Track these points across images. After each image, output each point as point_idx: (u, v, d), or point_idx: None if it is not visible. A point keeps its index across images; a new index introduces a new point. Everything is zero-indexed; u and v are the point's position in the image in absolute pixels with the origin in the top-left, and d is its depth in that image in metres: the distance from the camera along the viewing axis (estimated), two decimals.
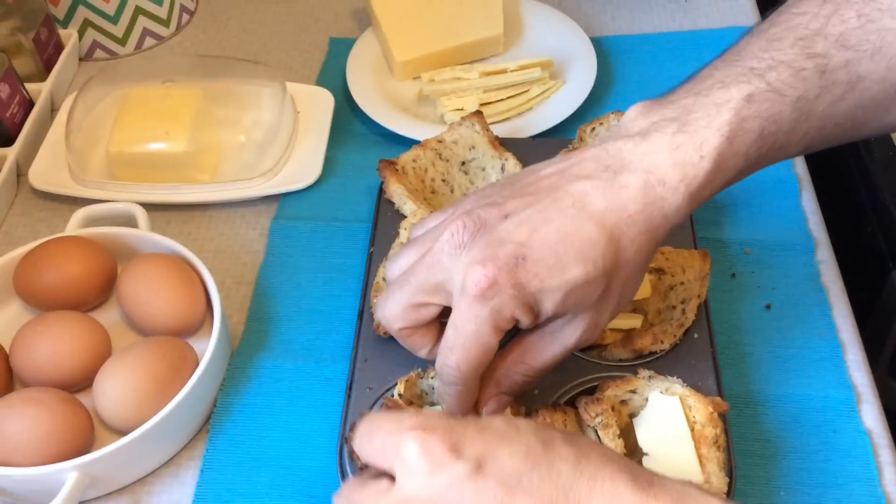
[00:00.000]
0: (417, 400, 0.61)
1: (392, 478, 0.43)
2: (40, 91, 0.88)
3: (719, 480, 0.54)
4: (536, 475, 0.41)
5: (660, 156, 0.51)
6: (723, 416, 0.58)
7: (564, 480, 0.41)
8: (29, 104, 0.86)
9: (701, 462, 0.55)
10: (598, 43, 0.92)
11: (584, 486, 0.41)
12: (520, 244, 0.49)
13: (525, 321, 0.51)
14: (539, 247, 0.49)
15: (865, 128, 0.58)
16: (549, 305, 0.50)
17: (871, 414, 0.64)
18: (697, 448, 0.56)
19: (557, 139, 0.80)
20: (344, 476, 0.58)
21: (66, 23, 0.95)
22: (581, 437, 0.45)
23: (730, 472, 0.56)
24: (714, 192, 0.53)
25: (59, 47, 0.93)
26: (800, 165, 0.82)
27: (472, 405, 0.55)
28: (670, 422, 0.57)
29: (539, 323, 0.53)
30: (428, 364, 0.62)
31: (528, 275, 0.49)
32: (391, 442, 0.43)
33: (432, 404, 0.61)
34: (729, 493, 0.55)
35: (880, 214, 0.83)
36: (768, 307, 0.70)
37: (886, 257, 0.81)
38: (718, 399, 0.58)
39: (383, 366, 0.63)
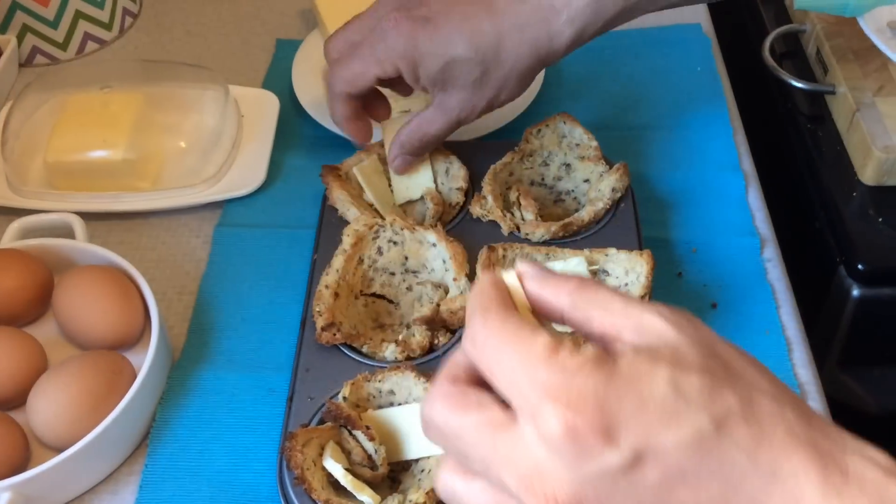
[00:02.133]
0: (364, 403, 0.60)
1: (507, 407, 0.36)
2: None
3: None
4: (705, 470, 0.33)
5: None
6: None
7: (738, 474, 0.33)
8: None
9: None
10: None
11: (760, 483, 0.33)
12: (431, 11, 0.64)
13: (409, 77, 0.66)
14: (443, 18, 0.64)
15: None
16: (432, 69, 0.64)
17: (815, 410, 0.64)
18: None
19: (503, 140, 0.79)
20: (284, 488, 0.57)
21: (3, 28, 0.93)
22: (767, 402, 0.35)
23: None
24: (596, 27, 0.64)
25: None
26: (746, 162, 0.82)
27: (360, 132, 0.72)
28: None
29: (430, 98, 0.68)
30: (375, 366, 0.62)
31: (425, 36, 0.63)
32: (522, 392, 0.35)
33: (379, 407, 0.60)
34: None
35: (828, 210, 0.83)
36: (714, 306, 0.70)
37: (834, 252, 0.81)
38: None
39: (325, 374, 0.62)
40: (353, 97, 0.69)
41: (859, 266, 0.79)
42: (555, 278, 0.38)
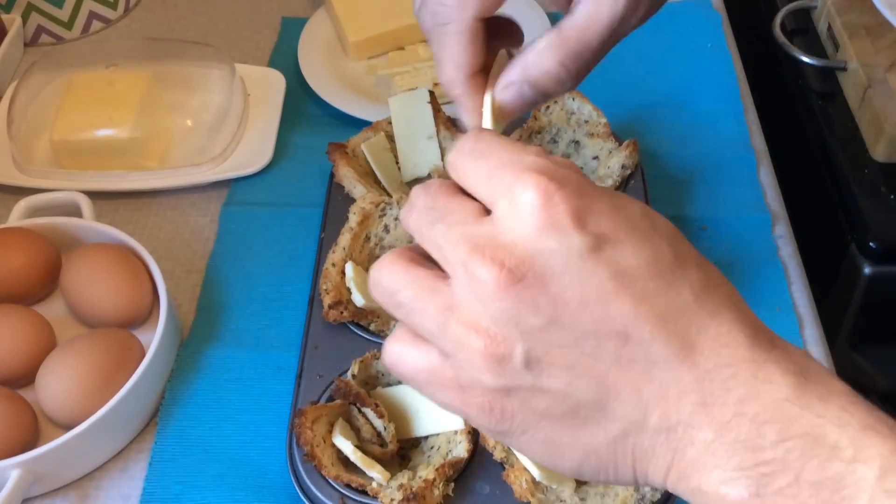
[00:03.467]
0: (373, 381, 0.60)
1: (485, 210, 0.36)
2: None
3: None
4: (653, 286, 0.34)
5: None
6: None
7: (680, 304, 0.34)
8: None
9: None
10: (553, 18, 0.91)
11: (697, 319, 0.34)
12: None
13: None
14: None
15: None
16: None
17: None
18: None
19: None
20: (293, 465, 0.57)
21: (8, 7, 0.92)
22: (716, 269, 0.37)
23: None
24: None
25: (2, 32, 0.90)
26: (757, 139, 0.81)
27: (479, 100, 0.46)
28: None
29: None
30: (382, 345, 0.62)
31: None
32: (505, 174, 0.35)
33: (388, 385, 0.60)
34: None
35: (840, 188, 0.82)
36: None
37: (845, 229, 0.81)
38: None
39: (333, 352, 0.62)
40: (480, 27, 0.45)
41: (871, 244, 0.78)
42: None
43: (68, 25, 0.94)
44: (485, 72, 0.47)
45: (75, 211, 0.72)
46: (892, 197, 0.79)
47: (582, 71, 0.45)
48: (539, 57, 0.44)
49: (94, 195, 0.74)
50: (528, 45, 0.45)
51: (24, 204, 0.72)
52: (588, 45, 0.44)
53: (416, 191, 0.38)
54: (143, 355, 0.62)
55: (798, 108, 0.91)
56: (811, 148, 0.88)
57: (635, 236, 0.35)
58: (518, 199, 0.34)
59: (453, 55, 0.46)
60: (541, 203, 0.34)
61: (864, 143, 0.82)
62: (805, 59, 0.87)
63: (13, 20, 0.92)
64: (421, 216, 0.37)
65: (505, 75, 0.45)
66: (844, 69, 0.85)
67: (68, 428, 0.58)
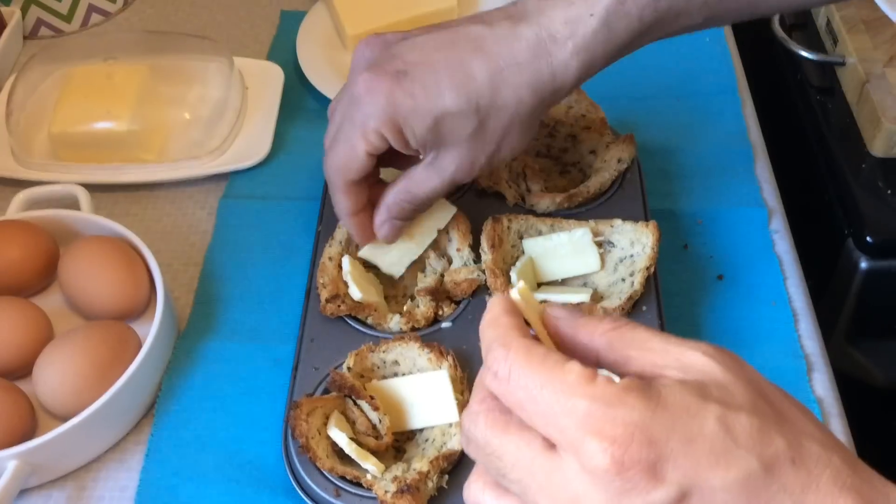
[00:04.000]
0: (368, 374, 0.60)
1: (548, 442, 0.35)
2: None
3: None
4: None
5: (555, 12, 0.54)
6: None
7: None
8: None
9: None
10: None
11: None
12: (406, 62, 0.54)
13: (396, 143, 0.56)
14: (422, 68, 0.54)
15: (763, 3, 0.59)
16: (419, 129, 0.54)
17: (821, 382, 0.64)
18: None
19: None
20: (289, 457, 0.57)
21: (7, 0, 0.92)
22: (814, 446, 0.34)
23: None
24: (607, 56, 0.55)
25: (2, 25, 0.91)
26: (755, 134, 0.81)
27: (367, 227, 0.62)
28: None
29: (419, 158, 0.58)
30: (379, 337, 0.62)
31: (403, 93, 0.53)
32: (562, 427, 0.34)
33: (383, 377, 0.60)
34: None
35: (837, 182, 0.83)
36: (720, 278, 0.70)
37: (843, 224, 0.81)
38: None
39: (329, 345, 0.62)
40: (354, 185, 0.59)
41: (868, 238, 0.78)
42: (588, 319, 0.37)
43: (67, 18, 0.94)
44: (370, 206, 0.61)
45: (73, 203, 0.72)
46: (889, 192, 0.79)
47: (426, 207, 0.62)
48: (394, 199, 0.60)
49: (92, 188, 0.74)
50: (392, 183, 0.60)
51: (22, 196, 0.72)
52: (426, 197, 0.60)
53: (467, 423, 0.37)
54: (140, 347, 0.62)
55: (796, 102, 0.91)
56: (809, 142, 0.88)
57: (719, 463, 0.33)
58: (588, 464, 0.33)
59: (338, 202, 0.61)
60: (613, 471, 0.32)
61: (861, 137, 0.82)
62: (803, 53, 0.87)
63: (13, 13, 0.92)
64: (478, 454, 0.37)
65: (376, 217, 0.61)
66: (843, 64, 0.85)
67: (65, 419, 0.59)
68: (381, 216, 0.61)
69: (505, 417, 0.36)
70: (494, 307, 0.38)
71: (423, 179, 0.58)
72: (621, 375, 0.35)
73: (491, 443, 0.36)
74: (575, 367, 0.34)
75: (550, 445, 0.34)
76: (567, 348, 0.38)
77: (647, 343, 0.36)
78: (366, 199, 0.61)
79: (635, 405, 0.33)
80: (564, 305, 0.39)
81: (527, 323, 0.38)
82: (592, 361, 0.37)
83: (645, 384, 0.34)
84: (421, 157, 0.58)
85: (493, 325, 0.37)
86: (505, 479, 0.36)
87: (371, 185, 0.61)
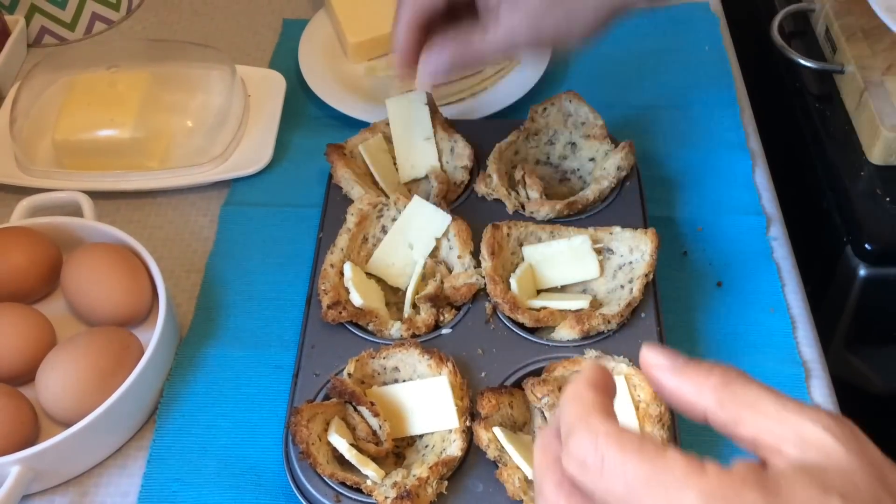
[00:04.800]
0: (369, 380, 0.61)
1: None
2: None
3: None
4: None
5: None
6: None
7: None
8: None
9: None
10: None
11: None
12: None
13: None
14: None
15: None
16: None
17: (819, 388, 0.65)
18: (642, 426, 0.56)
19: (510, 119, 0.79)
20: (289, 463, 0.57)
21: (11, 8, 0.93)
22: None
23: None
24: None
25: (6, 33, 0.91)
26: (754, 141, 0.82)
27: (411, 66, 0.63)
28: (616, 402, 0.57)
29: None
30: (380, 343, 0.62)
31: None
32: None
33: (384, 384, 0.61)
34: None
35: (836, 190, 0.83)
36: (719, 284, 0.70)
37: (841, 231, 0.81)
38: None
39: (330, 352, 0.63)
40: (420, 20, 0.61)
41: (866, 245, 0.78)
42: (695, 370, 0.34)
43: (71, 26, 0.95)
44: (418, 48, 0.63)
45: (76, 210, 0.73)
46: (887, 199, 0.79)
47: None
48: (455, 48, 0.60)
49: (95, 195, 0.75)
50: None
51: (25, 203, 0.73)
52: (485, 53, 0.59)
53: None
54: (142, 354, 0.63)
55: (795, 110, 0.91)
56: (807, 150, 0.88)
57: None
58: None
59: (399, 33, 0.63)
60: None
61: (860, 145, 0.82)
62: (803, 61, 0.87)
63: (17, 21, 0.92)
64: None
65: (424, 59, 0.62)
66: (842, 72, 0.85)
67: (68, 425, 0.59)
68: (431, 58, 0.61)
69: None
70: (580, 380, 0.35)
71: (489, 38, 0.58)
72: (731, 437, 0.34)
73: None
74: (678, 458, 0.32)
75: None
76: (669, 400, 0.35)
77: (760, 404, 0.33)
78: (422, 45, 0.62)
79: (757, 500, 0.30)
80: (663, 350, 0.35)
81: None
82: (699, 418, 0.34)
83: (761, 473, 0.31)
84: (492, 18, 0.58)
85: (576, 401, 0.34)
86: None
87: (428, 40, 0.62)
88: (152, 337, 0.63)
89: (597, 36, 0.58)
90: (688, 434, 0.60)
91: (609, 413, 0.34)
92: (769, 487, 0.31)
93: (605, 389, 0.35)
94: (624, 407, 0.57)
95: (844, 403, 0.66)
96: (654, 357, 0.35)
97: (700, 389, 0.34)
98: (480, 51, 0.60)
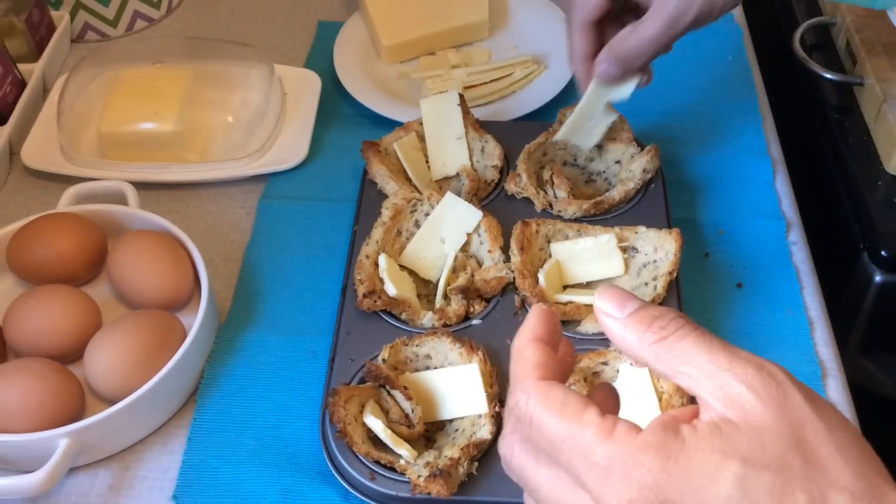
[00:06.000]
0: (402, 366, 0.63)
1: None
2: (32, 72, 0.89)
3: None
4: None
5: None
6: None
7: None
8: (21, 84, 0.88)
9: None
10: None
11: None
12: None
13: None
14: None
15: None
16: None
17: (835, 388, 0.67)
18: None
19: (538, 122, 0.82)
20: (326, 442, 0.60)
21: (57, 5, 0.96)
22: (841, 496, 0.33)
23: None
24: None
25: (51, 29, 0.94)
26: (774, 149, 0.84)
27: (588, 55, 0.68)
28: (639, 392, 0.60)
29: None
30: (413, 332, 0.65)
31: None
32: (583, 475, 0.35)
33: (416, 370, 0.63)
34: None
35: (853, 198, 0.85)
36: (739, 286, 0.72)
37: (858, 238, 0.83)
38: None
39: (365, 338, 0.65)
40: (589, 27, 0.67)
41: (882, 253, 0.80)
42: (637, 323, 0.37)
43: (113, 23, 0.98)
44: (593, 49, 0.68)
45: (121, 199, 0.76)
46: None
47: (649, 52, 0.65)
48: (621, 42, 0.65)
49: (137, 185, 0.77)
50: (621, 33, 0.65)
51: (73, 191, 0.76)
52: (652, 38, 0.63)
53: (503, 449, 0.38)
54: (184, 336, 0.65)
55: (815, 120, 0.93)
56: (827, 159, 0.91)
57: None
58: None
59: (573, 43, 0.68)
60: None
61: (878, 155, 0.84)
62: (823, 73, 0.89)
63: (62, 17, 0.96)
64: (514, 476, 0.38)
65: (599, 59, 0.67)
66: (861, 84, 0.88)
67: (113, 402, 0.62)
68: (604, 56, 0.66)
69: (536, 448, 0.37)
70: (524, 332, 0.39)
71: (648, 24, 0.63)
72: (675, 386, 0.36)
73: (525, 472, 0.37)
74: (593, 420, 0.35)
75: (578, 484, 0.35)
76: (618, 346, 0.38)
77: (693, 359, 0.35)
78: (597, 49, 0.67)
79: (652, 466, 0.33)
80: (614, 296, 0.38)
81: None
82: (644, 366, 0.38)
83: (667, 438, 0.34)
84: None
85: (517, 359, 0.38)
86: (539, 500, 0.37)
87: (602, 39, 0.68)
88: (194, 321, 0.66)
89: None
90: None
91: (544, 368, 0.38)
92: (669, 453, 0.33)
93: (548, 338, 0.39)
94: (647, 398, 0.59)
95: (859, 408, 0.68)
96: (605, 305, 0.38)
97: (640, 342, 0.37)
98: (642, 39, 0.64)
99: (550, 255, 0.69)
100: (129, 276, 0.69)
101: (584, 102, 0.71)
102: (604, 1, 0.66)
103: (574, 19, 0.68)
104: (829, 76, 0.89)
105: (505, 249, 0.69)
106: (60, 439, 0.60)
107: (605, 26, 0.68)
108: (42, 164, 0.82)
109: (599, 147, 0.77)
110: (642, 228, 0.69)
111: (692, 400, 0.59)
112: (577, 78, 0.70)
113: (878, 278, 0.81)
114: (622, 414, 0.58)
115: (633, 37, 0.64)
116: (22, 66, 0.89)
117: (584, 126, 0.73)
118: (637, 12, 0.65)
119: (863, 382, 0.87)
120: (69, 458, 0.60)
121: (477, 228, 0.70)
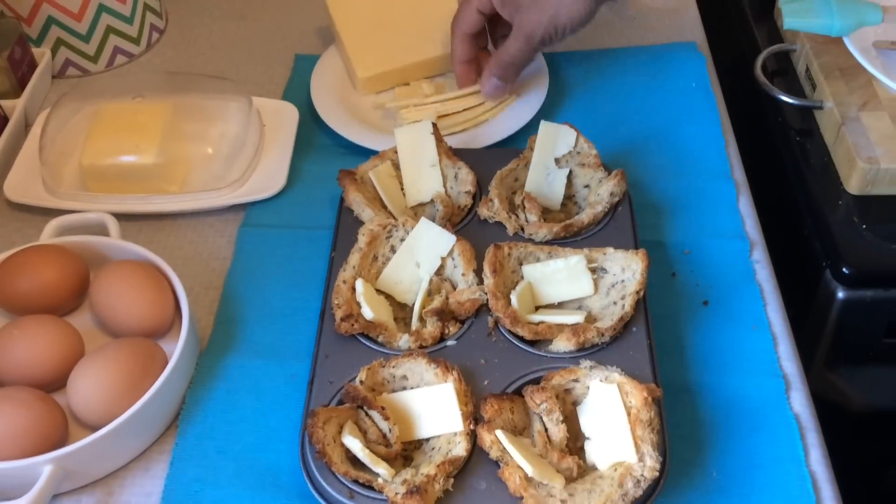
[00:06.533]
0: (379, 387, 0.65)
1: None
2: (14, 107, 0.91)
3: (653, 460, 0.59)
4: None
5: None
6: (657, 401, 0.62)
7: None
8: (3, 120, 0.90)
9: (636, 443, 0.59)
10: (550, 58, 0.97)
11: None
12: None
13: (491, 4, 0.83)
14: None
15: None
16: None
17: (799, 400, 0.69)
18: (633, 431, 0.60)
19: (509, 148, 0.84)
20: (305, 463, 0.62)
21: (39, 42, 0.98)
22: None
23: (664, 452, 0.60)
24: None
25: (33, 65, 0.96)
26: (738, 171, 0.87)
27: (467, 77, 0.89)
28: (609, 407, 0.61)
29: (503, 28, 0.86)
30: (389, 354, 0.67)
31: None
32: None
33: (393, 391, 0.65)
34: (662, 472, 0.60)
35: (815, 217, 0.88)
36: (705, 303, 0.75)
37: (821, 256, 0.86)
38: (653, 385, 0.62)
39: (343, 361, 0.67)
40: (467, 37, 0.86)
41: (844, 270, 0.83)
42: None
43: (94, 59, 1.00)
44: (475, 63, 0.89)
45: (102, 230, 0.77)
46: (864, 226, 0.84)
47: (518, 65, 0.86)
48: (494, 60, 0.86)
49: (118, 216, 0.79)
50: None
51: (55, 223, 0.77)
52: (514, 54, 0.84)
53: None
54: (165, 363, 0.67)
55: (777, 143, 0.96)
56: (789, 180, 0.94)
57: None
58: None
59: (454, 49, 0.88)
60: None
61: (838, 176, 0.87)
62: (784, 98, 0.92)
63: (43, 54, 0.98)
64: None
65: (482, 80, 0.88)
66: (821, 108, 0.91)
67: (96, 429, 0.63)
68: (486, 74, 0.87)
69: None
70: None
71: (511, 42, 0.83)
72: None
73: None
74: None
75: None
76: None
77: None
78: (473, 55, 0.88)
79: None
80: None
81: None
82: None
83: None
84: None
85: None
86: None
87: (479, 51, 0.89)
88: (175, 348, 0.67)
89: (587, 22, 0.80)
90: (679, 440, 0.64)
91: None
92: None
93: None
94: (617, 413, 0.61)
95: (825, 421, 0.70)
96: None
97: None
98: (509, 54, 0.84)
99: (522, 277, 0.72)
100: (111, 306, 0.71)
101: (533, 165, 0.78)
102: (478, 20, 0.85)
103: (456, 31, 0.86)
104: (789, 100, 0.92)
105: (478, 272, 0.72)
106: (44, 466, 0.61)
107: (480, 37, 0.88)
108: (25, 198, 0.84)
109: (569, 172, 0.80)
110: (610, 250, 0.71)
111: (659, 413, 0.62)
112: (457, 75, 0.89)
113: (840, 294, 0.84)
114: (592, 429, 0.61)
115: (503, 53, 0.83)
116: (4, 102, 0.90)
117: (544, 184, 0.78)
118: (509, 26, 0.83)
119: (829, 396, 0.89)
120: (53, 484, 0.61)
121: (451, 252, 0.73)
